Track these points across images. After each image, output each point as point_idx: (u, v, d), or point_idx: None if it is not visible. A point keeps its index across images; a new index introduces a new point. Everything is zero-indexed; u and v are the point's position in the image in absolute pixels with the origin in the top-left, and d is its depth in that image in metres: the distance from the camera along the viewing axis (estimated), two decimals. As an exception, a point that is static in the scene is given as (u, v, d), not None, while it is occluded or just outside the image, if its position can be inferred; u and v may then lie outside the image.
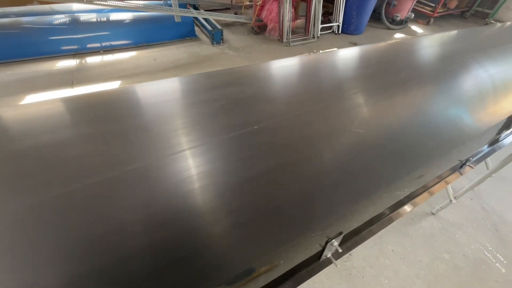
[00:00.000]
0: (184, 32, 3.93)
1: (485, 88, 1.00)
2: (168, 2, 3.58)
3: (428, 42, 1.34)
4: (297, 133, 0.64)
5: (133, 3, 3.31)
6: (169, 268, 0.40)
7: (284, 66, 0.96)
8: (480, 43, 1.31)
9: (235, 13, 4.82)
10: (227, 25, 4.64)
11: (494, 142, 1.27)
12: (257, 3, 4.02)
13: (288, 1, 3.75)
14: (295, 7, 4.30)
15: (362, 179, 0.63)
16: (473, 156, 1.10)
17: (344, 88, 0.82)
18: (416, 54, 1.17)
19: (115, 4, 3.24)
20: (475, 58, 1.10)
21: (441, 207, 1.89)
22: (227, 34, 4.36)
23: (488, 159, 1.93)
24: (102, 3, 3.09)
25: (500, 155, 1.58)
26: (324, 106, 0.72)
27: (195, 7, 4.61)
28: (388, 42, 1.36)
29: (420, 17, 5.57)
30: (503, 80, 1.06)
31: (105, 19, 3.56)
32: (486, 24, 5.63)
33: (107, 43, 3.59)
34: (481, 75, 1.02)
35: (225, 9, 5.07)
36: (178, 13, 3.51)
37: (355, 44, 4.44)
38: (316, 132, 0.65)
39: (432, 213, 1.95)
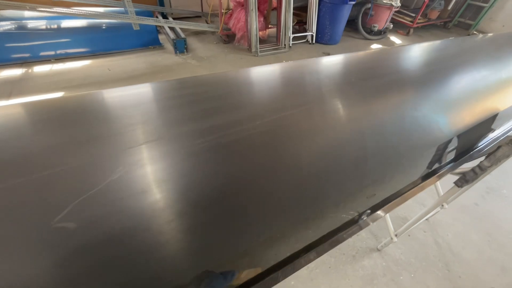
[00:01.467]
0: (146, 40, 3.76)
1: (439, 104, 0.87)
2: (127, 9, 3.42)
3: (386, 55, 1.18)
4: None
5: (86, 10, 3.15)
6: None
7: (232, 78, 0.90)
8: (441, 57, 1.15)
9: (206, 22, 4.68)
10: (197, 33, 4.48)
11: (439, 169, 1.05)
12: (223, 11, 3.86)
13: (254, 10, 3.59)
14: (265, 15, 4.15)
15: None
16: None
17: (290, 101, 0.76)
18: (369, 67, 1.05)
19: (67, 12, 3.07)
20: (423, 74, 0.97)
21: (385, 243, 1.66)
22: (194, 42, 4.20)
23: (440, 189, 1.72)
24: (48, 10, 2.91)
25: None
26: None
27: (164, 15, 4.46)
28: (351, 53, 1.20)
29: (400, 27, 5.44)
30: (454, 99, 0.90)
31: (59, 26, 3.38)
32: (468, 35, 5.50)
33: (62, 51, 3.41)
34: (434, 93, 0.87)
35: (195, 17, 4.92)
36: (135, 21, 3.34)
37: (328, 54, 4.27)
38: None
39: (377, 249, 1.72)
